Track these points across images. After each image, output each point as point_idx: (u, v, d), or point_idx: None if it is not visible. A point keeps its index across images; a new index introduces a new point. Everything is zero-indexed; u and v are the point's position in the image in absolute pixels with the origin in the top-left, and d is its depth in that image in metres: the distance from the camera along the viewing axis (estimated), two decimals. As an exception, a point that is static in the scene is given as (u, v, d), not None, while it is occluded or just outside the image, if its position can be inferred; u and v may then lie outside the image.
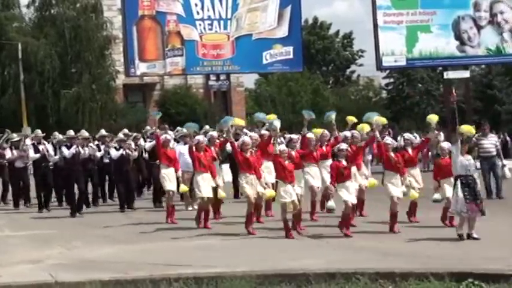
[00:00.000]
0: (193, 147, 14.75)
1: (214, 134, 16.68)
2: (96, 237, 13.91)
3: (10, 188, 20.03)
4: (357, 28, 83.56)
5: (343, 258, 11.22)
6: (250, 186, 13.89)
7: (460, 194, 12.38)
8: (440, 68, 35.37)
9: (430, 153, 27.57)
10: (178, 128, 20.56)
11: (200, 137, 15.43)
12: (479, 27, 32.44)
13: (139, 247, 12.73)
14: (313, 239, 13.11)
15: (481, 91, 51.89)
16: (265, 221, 14.99)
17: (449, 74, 32.54)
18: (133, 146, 18.79)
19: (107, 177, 19.85)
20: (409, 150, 14.66)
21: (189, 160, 15.70)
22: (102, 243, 13.14)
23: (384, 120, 14.79)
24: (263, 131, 16.03)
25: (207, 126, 21.26)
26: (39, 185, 18.87)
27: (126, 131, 21.17)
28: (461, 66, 32.77)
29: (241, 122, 17.21)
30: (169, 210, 15.83)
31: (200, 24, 31.86)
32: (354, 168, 14.21)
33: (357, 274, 9.91)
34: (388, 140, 14.47)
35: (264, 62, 32.73)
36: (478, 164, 17.69)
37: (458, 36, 32.37)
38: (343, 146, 13.77)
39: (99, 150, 19.23)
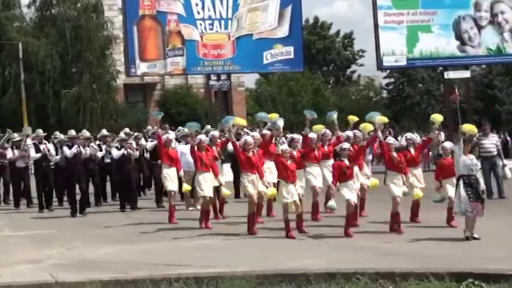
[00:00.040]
0: (195, 147, 14.76)
1: (216, 133, 16.69)
2: (96, 237, 13.90)
3: (11, 188, 20.06)
4: (358, 28, 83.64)
5: (343, 258, 11.22)
6: (253, 185, 13.89)
7: (463, 193, 12.32)
8: (441, 68, 35.30)
9: (430, 153, 27.56)
10: (180, 127, 20.57)
11: (202, 137, 15.44)
12: (479, 27, 32.40)
13: (140, 247, 12.73)
14: (313, 239, 13.10)
15: (482, 91, 51.88)
16: (266, 221, 14.99)
17: (450, 74, 32.49)
18: (134, 145, 18.81)
19: (107, 177, 19.86)
20: (412, 150, 14.64)
21: (191, 160, 15.67)
22: (102, 243, 13.14)
23: (385, 120, 14.78)
24: (265, 131, 16.01)
25: (209, 126, 21.26)
26: (40, 185, 18.87)
27: (127, 130, 21.21)
28: (461, 66, 32.71)
29: (242, 121, 17.17)
30: (171, 210, 15.82)
31: (201, 24, 31.82)
32: (355, 168, 14.20)
33: (357, 274, 9.91)
34: (391, 140, 14.45)
35: (265, 61, 32.67)
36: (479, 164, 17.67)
37: (458, 36, 32.33)
38: (346, 145, 13.74)
39: (101, 150, 19.24)
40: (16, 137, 20.39)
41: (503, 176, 18.50)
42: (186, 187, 16.09)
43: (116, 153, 18.52)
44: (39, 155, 18.71)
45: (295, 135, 15.22)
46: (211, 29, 31.96)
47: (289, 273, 10.12)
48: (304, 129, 16.23)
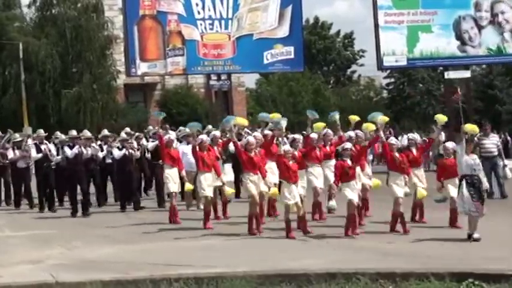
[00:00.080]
0: (197, 147, 14.75)
1: (217, 133, 16.67)
2: (97, 237, 13.90)
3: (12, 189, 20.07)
4: (358, 28, 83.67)
5: (344, 258, 11.22)
6: (255, 185, 13.88)
7: (466, 193, 12.30)
8: (441, 68, 35.33)
9: (430, 153, 27.53)
10: (181, 127, 20.56)
11: (203, 137, 15.43)
12: (480, 27, 32.40)
13: (140, 247, 12.73)
14: (313, 239, 13.10)
15: (482, 91, 51.87)
16: (266, 221, 14.98)
17: (450, 74, 32.49)
18: (135, 145, 18.80)
19: (109, 178, 19.85)
20: (414, 150, 14.61)
21: (192, 160, 15.66)
22: (103, 243, 13.14)
23: (386, 119, 14.74)
24: (266, 131, 15.99)
25: (210, 126, 21.26)
26: (41, 185, 18.86)
27: (128, 129, 21.20)
28: (462, 66, 32.71)
29: (244, 121, 17.13)
30: (173, 210, 15.82)
31: (201, 24, 31.83)
32: (357, 168, 14.18)
33: (357, 274, 9.92)
34: (393, 140, 14.44)
35: (265, 61, 32.69)
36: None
37: (459, 36, 32.33)
38: (348, 145, 13.72)
39: (102, 150, 19.23)
40: (17, 137, 20.40)
41: (503, 177, 18.49)
42: (189, 186, 16.05)
43: (117, 153, 18.52)
44: (40, 155, 18.71)
45: (297, 136, 15.21)
46: (212, 29, 31.97)
47: (289, 273, 10.13)
48: (306, 130, 16.19)
